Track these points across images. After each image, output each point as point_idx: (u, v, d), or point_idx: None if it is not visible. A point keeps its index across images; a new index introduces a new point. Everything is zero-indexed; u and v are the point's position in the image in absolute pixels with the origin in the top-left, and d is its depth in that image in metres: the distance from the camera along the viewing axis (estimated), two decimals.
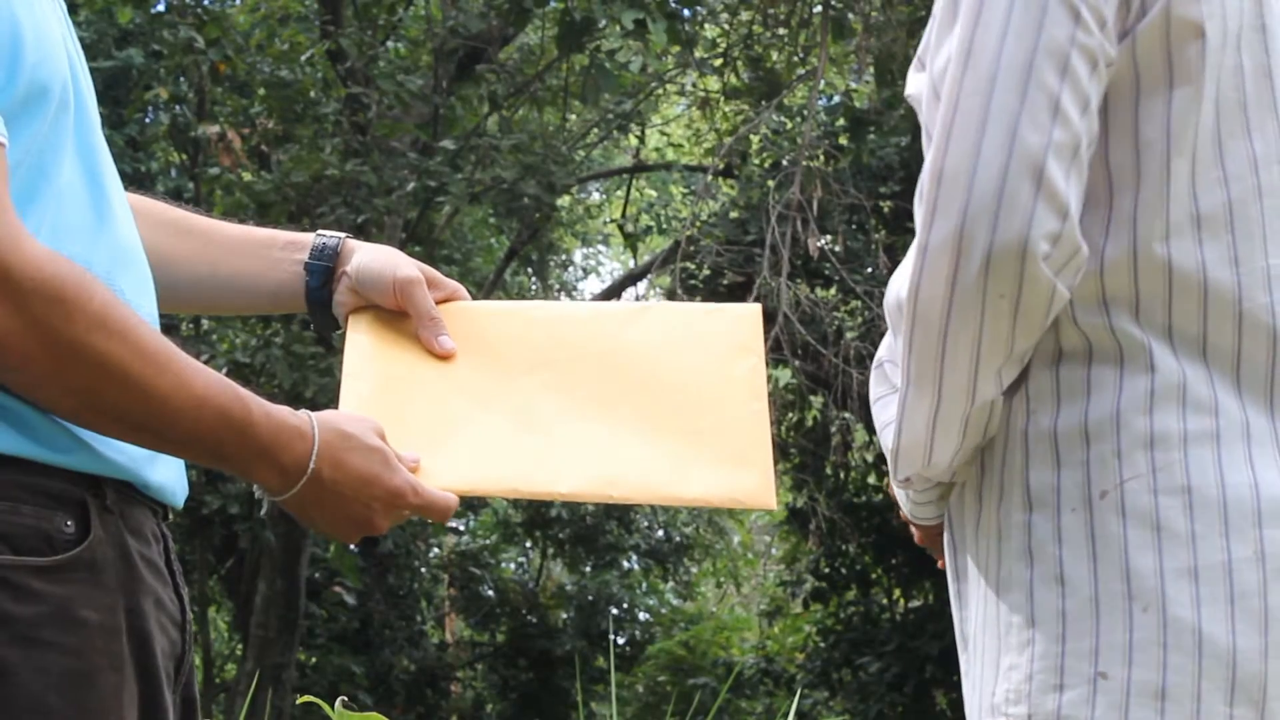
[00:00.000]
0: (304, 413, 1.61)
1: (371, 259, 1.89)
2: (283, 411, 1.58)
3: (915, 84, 1.68)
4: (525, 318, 1.99)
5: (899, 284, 1.59)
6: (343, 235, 1.92)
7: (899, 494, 1.79)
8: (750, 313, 1.99)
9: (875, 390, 1.71)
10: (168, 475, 1.60)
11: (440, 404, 1.84)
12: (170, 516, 1.65)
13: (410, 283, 1.87)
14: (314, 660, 13.65)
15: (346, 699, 2.14)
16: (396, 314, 1.89)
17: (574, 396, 1.88)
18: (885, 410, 1.69)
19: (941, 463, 1.64)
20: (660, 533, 16.14)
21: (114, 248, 1.57)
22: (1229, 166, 1.62)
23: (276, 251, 1.91)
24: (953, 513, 1.74)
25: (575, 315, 2.01)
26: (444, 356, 1.87)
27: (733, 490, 1.85)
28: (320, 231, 1.93)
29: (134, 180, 10.92)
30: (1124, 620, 1.55)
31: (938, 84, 1.58)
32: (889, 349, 1.70)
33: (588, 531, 15.32)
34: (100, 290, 1.45)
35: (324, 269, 1.89)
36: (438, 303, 1.90)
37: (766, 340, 1.90)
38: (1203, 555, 1.56)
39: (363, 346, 1.87)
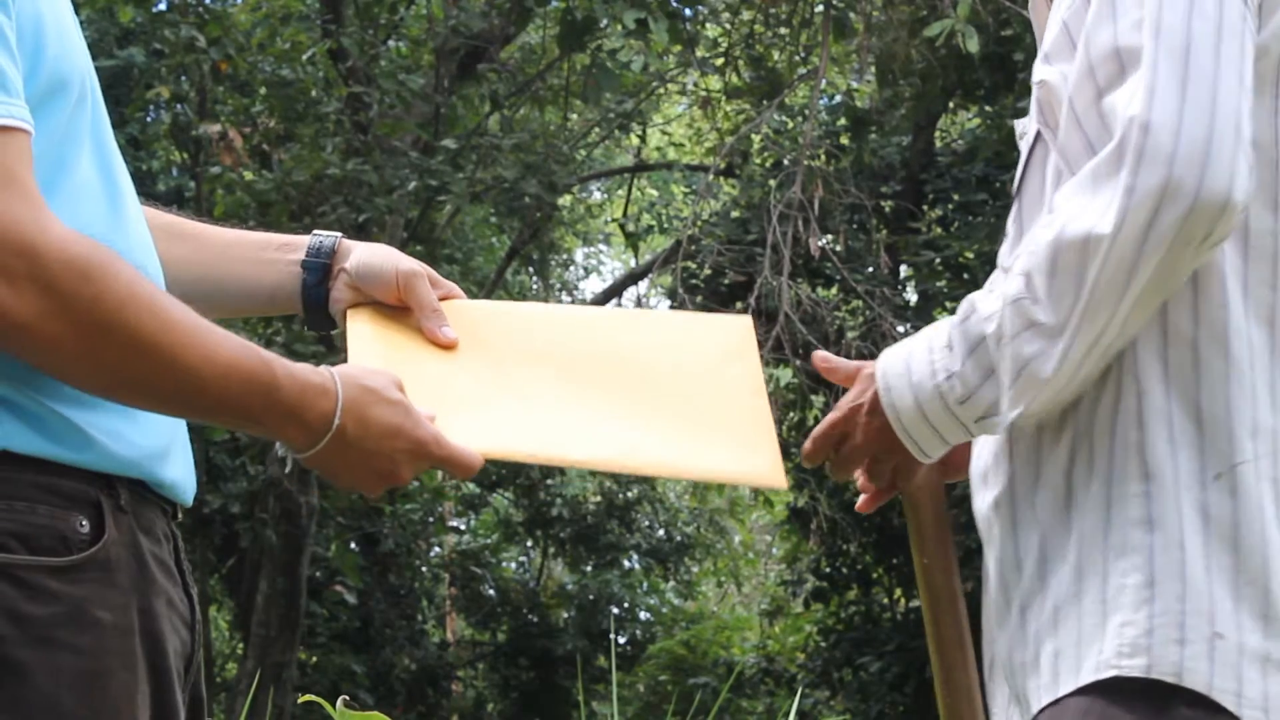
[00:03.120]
0: (325, 369, 1.63)
1: (372, 254, 1.91)
2: (305, 370, 1.60)
3: (1043, 73, 1.80)
4: (523, 317, 2.02)
5: (1082, 221, 1.66)
6: (338, 235, 1.94)
7: (949, 407, 1.78)
8: (741, 323, 2.02)
9: (1013, 325, 1.72)
10: (179, 472, 1.62)
11: (448, 383, 1.84)
12: (179, 515, 1.66)
13: (413, 275, 1.89)
14: (315, 659, 13.65)
15: (348, 698, 2.14)
16: (395, 309, 1.90)
17: (579, 386, 1.89)
18: (1029, 345, 1.71)
19: (1067, 391, 1.72)
20: (661, 532, 16.13)
21: (129, 244, 1.58)
22: None
23: (271, 253, 1.92)
24: (1021, 497, 1.79)
25: (572, 316, 2.04)
26: (447, 346, 1.88)
27: (744, 468, 1.87)
28: (315, 231, 1.95)
29: (135, 179, 10.86)
30: (1233, 591, 1.68)
31: (1096, 66, 1.70)
32: (1026, 287, 1.71)
33: (588, 531, 15.32)
34: (126, 267, 1.47)
35: (321, 266, 1.91)
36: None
37: (768, 340, 1.94)
38: None
39: (365, 334, 1.88)
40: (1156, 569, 1.68)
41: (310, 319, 1.94)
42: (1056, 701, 1.72)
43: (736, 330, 2.00)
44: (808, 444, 1.91)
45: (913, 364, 1.80)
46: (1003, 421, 1.75)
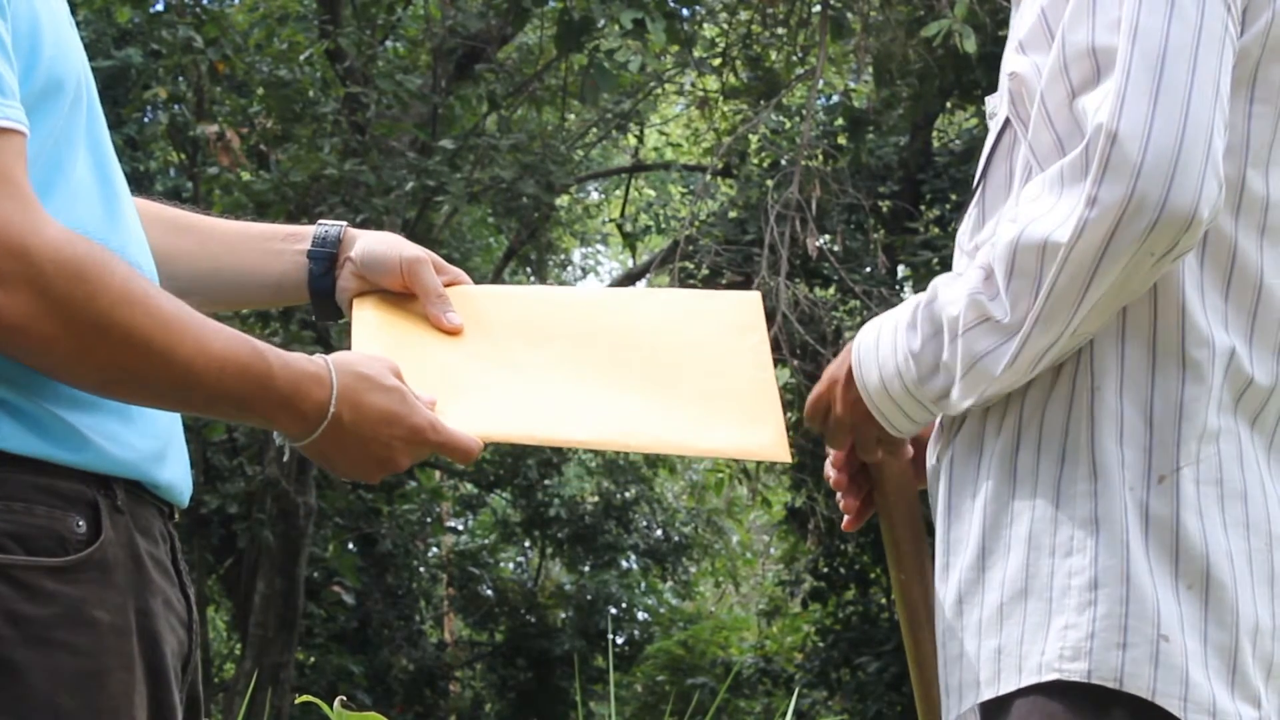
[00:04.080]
0: (320, 357, 1.63)
1: (376, 242, 1.92)
2: (299, 359, 1.60)
3: (1016, 64, 1.77)
4: (530, 300, 2.03)
5: (1042, 226, 1.64)
6: (343, 224, 1.94)
7: (902, 393, 1.78)
8: (751, 298, 2.03)
9: (969, 318, 1.71)
10: (175, 473, 1.62)
11: (452, 369, 1.84)
12: (176, 516, 1.66)
13: (417, 261, 1.89)
14: (313, 660, 13.65)
15: (345, 699, 2.14)
16: (401, 296, 1.91)
17: (584, 366, 1.89)
18: (982, 340, 1.70)
19: (1007, 388, 1.71)
20: (659, 532, 16.12)
21: (124, 244, 1.58)
22: None
23: (277, 243, 1.93)
24: (961, 487, 1.78)
25: (578, 297, 2.04)
26: (452, 332, 1.88)
27: (747, 443, 1.87)
28: (321, 221, 1.95)
29: (133, 180, 10.85)
30: (1173, 595, 1.65)
31: (1070, 64, 1.67)
32: (985, 282, 1.70)
33: (586, 531, 15.31)
34: (120, 265, 1.47)
35: (327, 256, 1.91)
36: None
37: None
38: (1234, 542, 1.68)
39: (370, 322, 1.88)
40: (1100, 570, 1.66)
41: (317, 308, 1.94)
42: (998, 700, 1.70)
43: (745, 306, 2.01)
44: (805, 409, 1.92)
45: (882, 339, 1.79)
46: (957, 407, 1.75)
